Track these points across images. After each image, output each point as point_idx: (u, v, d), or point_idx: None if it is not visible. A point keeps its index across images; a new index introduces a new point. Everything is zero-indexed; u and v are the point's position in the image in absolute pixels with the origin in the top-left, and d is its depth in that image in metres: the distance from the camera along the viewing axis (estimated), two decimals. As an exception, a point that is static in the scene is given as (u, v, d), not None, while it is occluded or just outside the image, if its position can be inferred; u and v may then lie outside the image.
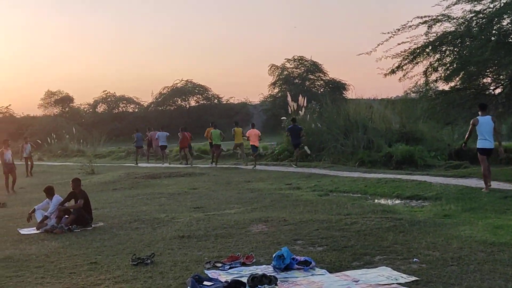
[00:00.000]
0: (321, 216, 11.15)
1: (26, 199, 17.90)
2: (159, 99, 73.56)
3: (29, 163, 28.83)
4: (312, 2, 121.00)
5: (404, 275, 6.80)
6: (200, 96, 74.68)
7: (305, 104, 28.06)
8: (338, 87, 67.38)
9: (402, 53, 21.25)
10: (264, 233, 9.82)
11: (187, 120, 66.86)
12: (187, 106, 74.33)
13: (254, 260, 7.88)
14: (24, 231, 11.60)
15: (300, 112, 27.70)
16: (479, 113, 13.99)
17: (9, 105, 77.40)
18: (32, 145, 32.00)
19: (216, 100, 74.60)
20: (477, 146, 13.97)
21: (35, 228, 11.72)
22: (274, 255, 7.49)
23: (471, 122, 14.01)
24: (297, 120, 25.62)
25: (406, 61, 21.24)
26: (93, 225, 11.76)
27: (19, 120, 72.50)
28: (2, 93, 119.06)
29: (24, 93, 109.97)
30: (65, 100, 77.62)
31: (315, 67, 69.02)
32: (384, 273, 6.94)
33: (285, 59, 69.67)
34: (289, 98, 29.15)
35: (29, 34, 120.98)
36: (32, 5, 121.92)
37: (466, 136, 14.40)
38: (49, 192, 12.54)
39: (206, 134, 28.75)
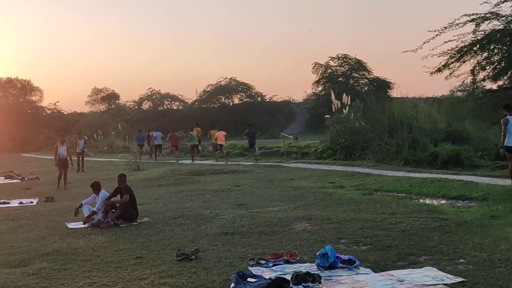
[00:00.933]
0: (365, 215, 11.08)
1: (73, 193, 18.24)
2: (203, 97, 74.11)
3: (80, 158, 29.01)
4: (357, 0, 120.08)
5: (450, 276, 6.71)
6: (244, 94, 74.97)
7: (349, 103, 27.86)
8: (382, 85, 66.88)
9: (449, 51, 21.08)
10: (307, 231, 9.82)
11: (230, 118, 67.39)
12: (231, 104, 74.67)
13: (298, 258, 7.88)
14: (71, 225, 11.84)
15: (344, 110, 27.52)
16: (506, 114, 13.89)
17: (57, 101, 79.35)
18: (86, 141, 32.25)
19: (259, 98, 74.73)
20: (506, 144, 14.03)
21: (82, 222, 11.95)
22: (318, 253, 7.49)
23: (502, 123, 14.04)
24: (346, 118, 26.13)
25: (453, 60, 21.02)
26: (138, 220, 11.92)
27: (66, 116, 74.07)
28: (50, 90, 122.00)
29: (71, 90, 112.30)
30: (111, 97, 78.85)
31: (359, 65, 68.58)
32: (429, 274, 6.86)
33: (329, 57, 69.48)
34: (333, 96, 28.98)
35: (77, 33, 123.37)
36: (80, 5, 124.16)
37: (502, 138, 14.28)
38: (96, 187, 12.73)
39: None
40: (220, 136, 30.25)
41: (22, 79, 76.55)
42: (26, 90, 76.57)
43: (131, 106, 79.15)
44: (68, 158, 20.97)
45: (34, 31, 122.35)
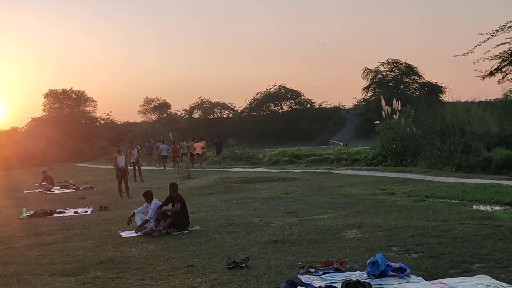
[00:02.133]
0: (417, 222, 10.93)
1: (126, 203, 18.58)
2: (253, 105, 74.41)
3: (136, 168, 29.41)
4: (407, 4, 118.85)
5: (504, 284, 6.58)
6: (293, 101, 74.98)
7: (399, 108, 27.51)
8: (434, 90, 65.84)
9: (501, 55, 20.63)
10: (357, 239, 9.76)
11: (280, 125, 67.54)
12: (280, 111, 74.76)
13: (348, 266, 7.85)
14: (124, 233, 12.06)
15: (394, 116, 27.20)
16: None
17: (110, 111, 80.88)
18: (139, 150, 32.72)
19: (308, 105, 74.59)
20: None
21: (134, 231, 12.15)
22: (368, 261, 7.43)
23: None
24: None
25: (506, 63, 20.55)
26: (189, 229, 12.05)
27: (119, 126, 75.49)
28: (104, 101, 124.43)
29: (124, 100, 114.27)
30: (163, 107, 79.97)
31: (410, 70, 67.77)
32: (483, 282, 6.74)
33: (379, 62, 68.83)
34: (383, 102, 28.61)
35: (129, 43, 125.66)
36: (131, 16, 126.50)
37: None
38: (148, 196, 12.93)
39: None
40: (197, 147, 36.94)
41: (76, 90, 78.52)
42: (80, 101, 78.43)
43: (182, 115, 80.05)
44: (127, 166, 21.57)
45: (87, 42, 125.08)
